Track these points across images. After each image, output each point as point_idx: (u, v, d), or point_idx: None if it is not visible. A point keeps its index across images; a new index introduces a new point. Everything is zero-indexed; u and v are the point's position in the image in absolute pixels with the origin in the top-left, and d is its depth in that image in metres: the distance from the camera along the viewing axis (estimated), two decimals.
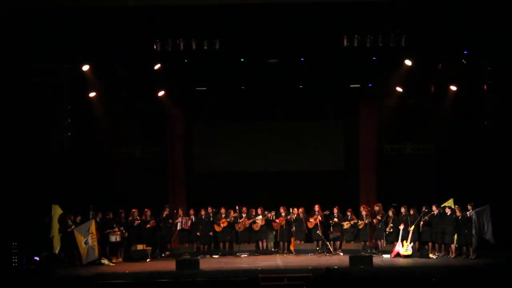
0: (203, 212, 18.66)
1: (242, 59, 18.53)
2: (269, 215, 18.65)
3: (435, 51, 17.91)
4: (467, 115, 19.04)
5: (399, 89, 19.35)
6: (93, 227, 17.24)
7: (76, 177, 18.82)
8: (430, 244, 17.78)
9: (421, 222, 17.60)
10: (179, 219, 18.56)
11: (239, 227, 18.56)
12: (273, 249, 18.90)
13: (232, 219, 18.64)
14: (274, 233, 18.89)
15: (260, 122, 20.53)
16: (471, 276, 14.55)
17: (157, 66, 18.47)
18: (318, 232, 18.16)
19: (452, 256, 17.33)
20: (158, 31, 17.17)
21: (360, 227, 18.28)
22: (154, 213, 18.53)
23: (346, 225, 18.38)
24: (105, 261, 17.32)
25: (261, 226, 18.67)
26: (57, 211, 17.60)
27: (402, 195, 18.70)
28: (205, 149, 20.59)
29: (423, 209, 17.69)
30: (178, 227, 18.57)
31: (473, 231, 16.90)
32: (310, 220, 18.47)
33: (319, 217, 18.30)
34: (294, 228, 18.48)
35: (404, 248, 17.58)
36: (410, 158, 20.20)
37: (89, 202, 17.96)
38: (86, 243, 17.07)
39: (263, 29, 16.98)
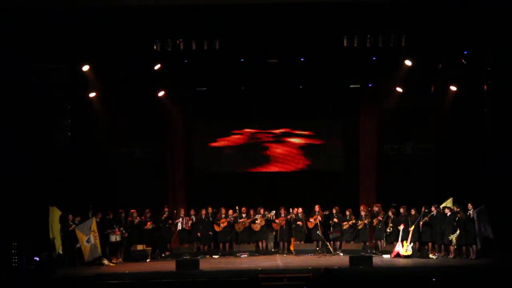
0: (203, 212, 18.65)
1: (242, 59, 18.53)
2: (269, 215, 18.64)
3: (435, 51, 17.91)
4: (467, 115, 19.04)
5: (399, 89, 19.35)
6: (94, 225, 17.26)
7: (76, 177, 18.83)
8: (430, 244, 17.78)
9: (421, 222, 17.60)
10: (180, 219, 18.55)
11: (239, 227, 18.55)
12: (273, 249, 18.89)
13: (232, 219, 18.63)
14: (274, 233, 18.88)
15: (260, 122, 20.52)
16: (471, 276, 14.54)
17: (157, 66, 18.48)
18: (318, 232, 18.15)
19: (452, 256, 17.34)
20: (158, 31, 17.17)
21: (360, 227, 18.28)
22: (154, 213, 18.52)
23: (345, 225, 18.37)
24: (105, 261, 17.32)
25: (261, 226, 18.66)
26: (55, 212, 17.59)
27: (402, 195, 18.70)
28: (205, 149, 20.58)
29: (423, 209, 17.68)
30: (179, 227, 18.57)
31: (476, 232, 16.89)
32: (310, 220, 18.46)
33: (319, 217, 18.29)
34: (294, 227, 18.48)
35: (404, 248, 17.58)
36: (410, 158, 20.19)
37: (89, 202, 17.97)
38: (88, 241, 17.08)
39: (263, 29, 16.99)
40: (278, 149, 20.48)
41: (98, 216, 17.75)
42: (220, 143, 20.56)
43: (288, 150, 20.49)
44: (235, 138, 20.55)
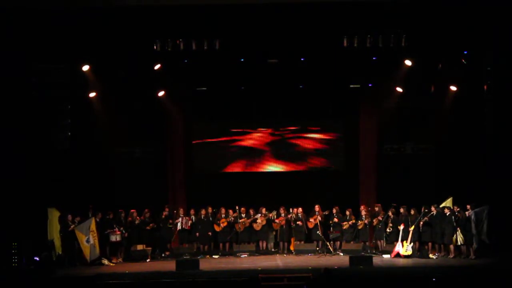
0: (203, 212, 18.65)
1: (242, 59, 18.53)
2: (270, 215, 18.64)
3: (435, 51, 17.91)
4: (467, 115, 19.04)
5: (399, 89, 19.36)
6: (93, 225, 17.25)
7: (76, 177, 18.83)
8: (430, 244, 17.79)
9: (421, 222, 17.60)
10: (179, 219, 18.55)
11: (239, 227, 18.55)
12: (273, 249, 18.89)
13: (232, 219, 18.63)
14: (274, 233, 18.88)
15: (260, 122, 20.52)
16: (471, 276, 14.55)
17: (157, 66, 18.48)
18: (318, 232, 18.15)
19: (452, 256, 17.35)
20: (158, 31, 17.17)
21: (360, 227, 18.28)
22: (154, 213, 18.52)
23: (345, 225, 18.37)
24: (105, 261, 17.32)
25: (262, 226, 18.66)
26: (54, 214, 17.57)
27: (402, 195, 18.70)
28: (205, 149, 20.58)
29: (423, 209, 17.68)
30: (178, 227, 18.56)
31: (473, 231, 16.91)
32: (310, 220, 18.46)
33: (319, 217, 18.29)
34: (294, 227, 18.48)
35: (404, 248, 17.58)
36: (410, 158, 20.19)
37: (89, 202, 17.97)
38: (88, 241, 17.07)
39: (263, 29, 16.99)
40: (277, 149, 20.48)
41: (98, 216, 17.75)
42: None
43: (287, 150, 20.50)
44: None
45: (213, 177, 20.22)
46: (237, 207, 18.75)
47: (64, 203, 17.73)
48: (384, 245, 18.20)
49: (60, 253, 17.35)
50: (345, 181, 20.10)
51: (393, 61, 18.46)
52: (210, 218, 18.68)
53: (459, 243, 17.27)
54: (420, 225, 17.61)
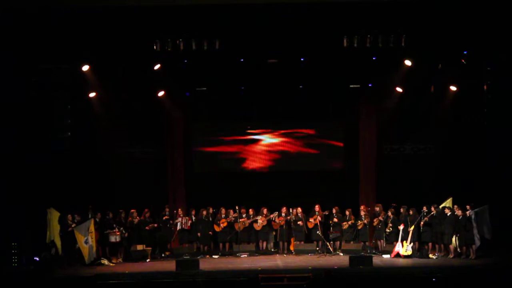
0: (204, 212, 18.65)
1: (242, 59, 18.54)
2: (271, 215, 18.63)
3: (435, 51, 17.91)
4: (467, 115, 19.04)
5: (399, 89, 19.36)
6: (92, 226, 17.24)
7: (76, 177, 18.83)
8: (430, 244, 17.79)
9: (421, 222, 17.60)
10: (179, 219, 18.55)
11: (239, 227, 18.55)
12: (273, 249, 18.89)
13: (232, 219, 18.63)
14: (274, 233, 18.88)
15: (260, 122, 20.53)
16: (471, 276, 14.55)
17: (157, 66, 18.48)
18: (318, 232, 18.16)
19: (452, 256, 17.35)
20: (158, 31, 17.17)
21: (359, 227, 18.28)
22: (154, 213, 18.52)
23: (345, 225, 18.38)
24: (105, 261, 17.32)
25: (263, 226, 18.65)
26: (53, 214, 17.55)
27: (402, 195, 18.71)
28: (205, 149, 20.58)
29: (423, 209, 17.69)
30: (178, 227, 18.57)
31: (474, 231, 16.91)
32: (310, 220, 18.47)
33: (319, 217, 18.29)
34: (294, 227, 18.48)
35: (404, 248, 17.58)
36: (410, 158, 20.19)
37: (89, 203, 17.96)
38: (86, 242, 17.05)
39: (263, 29, 16.99)
40: (277, 149, 20.48)
41: (98, 216, 17.75)
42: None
43: (287, 150, 20.50)
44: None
45: (213, 177, 20.20)
46: (237, 207, 18.74)
47: (64, 203, 17.73)
48: (384, 245, 18.21)
49: (60, 253, 17.34)
50: (345, 181, 20.10)
51: (393, 61, 18.45)
52: (210, 218, 18.69)
53: (453, 244, 17.29)
54: (420, 225, 17.61)
